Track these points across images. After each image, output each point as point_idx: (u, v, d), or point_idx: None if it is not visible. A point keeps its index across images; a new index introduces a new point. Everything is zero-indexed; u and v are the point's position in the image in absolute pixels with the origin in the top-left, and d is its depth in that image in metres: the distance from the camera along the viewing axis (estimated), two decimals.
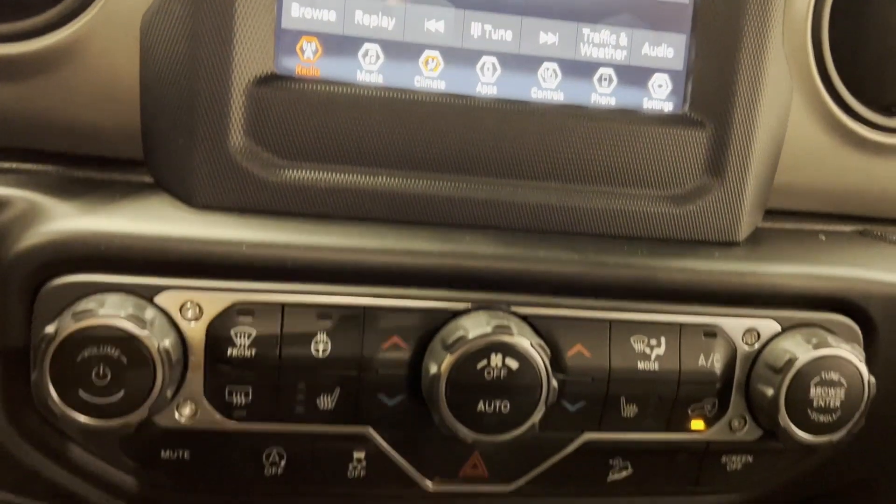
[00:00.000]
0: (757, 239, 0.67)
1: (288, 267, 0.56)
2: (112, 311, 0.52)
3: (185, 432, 0.57)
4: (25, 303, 0.54)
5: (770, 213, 0.71)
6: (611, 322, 0.60)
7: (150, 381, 0.52)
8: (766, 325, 0.63)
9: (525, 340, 0.56)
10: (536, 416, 0.57)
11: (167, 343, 0.53)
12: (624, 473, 0.64)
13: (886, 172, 0.71)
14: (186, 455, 0.58)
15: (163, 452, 0.58)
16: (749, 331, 0.63)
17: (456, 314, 0.58)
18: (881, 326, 0.65)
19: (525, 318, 0.59)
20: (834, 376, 0.61)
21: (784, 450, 0.65)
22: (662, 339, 0.61)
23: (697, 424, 0.63)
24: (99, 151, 0.62)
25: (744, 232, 0.66)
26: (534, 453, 0.62)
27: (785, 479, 0.67)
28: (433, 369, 0.56)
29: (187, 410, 0.57)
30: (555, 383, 0.57)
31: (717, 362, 0.62)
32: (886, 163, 0.71)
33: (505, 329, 0.56)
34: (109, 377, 0.52)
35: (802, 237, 0.70)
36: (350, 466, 0.60)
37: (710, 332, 0.62)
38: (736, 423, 0.64)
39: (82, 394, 0.52)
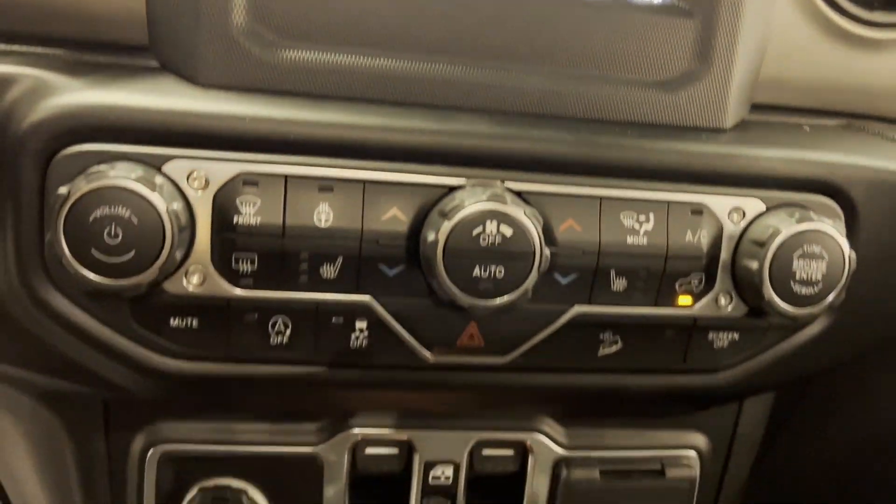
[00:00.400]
0: (743, 128, 0.70)
1: (290, 140, 0.58)
2: (123, 174, 0.54)
3: (194, 300, 0.59)
4: (38, 172, 0.56)
5: (756, 108, 0.73)
6: (601, 199, 0.63)
7: (159, 242, 0.54)
8: (752, 204, 0.65)
9: (519, 209, 0.58)
10: (530, 283, 0.59)
11: (176, 206, 0.55)
12: (614, 348, 0.67)
13: (869, 66, 0.73)
14: (195, 323, 0.60)
15: (172, 320, 0.60)
16: (735, 209, 0.65)
17: (452, 189, 0.61)
18: (862, 209, 0.67)
19: (519, 194, 0.61)
20: (816, 249, 0.63)
21: (769, 327, 0.68)
22: (651, 215, 0.63)
23: (685, 300, 0.66)
24: (105, 37, 0.64)
25: (730, 119, 0.68)
26: (528, 325, 0.64)
27: (770, 359, 0.70)
28: (431, 237, 0.58)
29: (195, 278, 0.59)
30: (547, 252, 0.59)
31: (703, 238, 0.64)
32: (869, 57, 0.73)
33: (500, 198, 0.58)
34: (121, 237, 0.54)
35: (787, 128, 0.72)
36: (353, 337, 0.63)
37: (697, 210, 0.64)
38: (722, 300, 0.66)
39: (95, 253, 0.54)
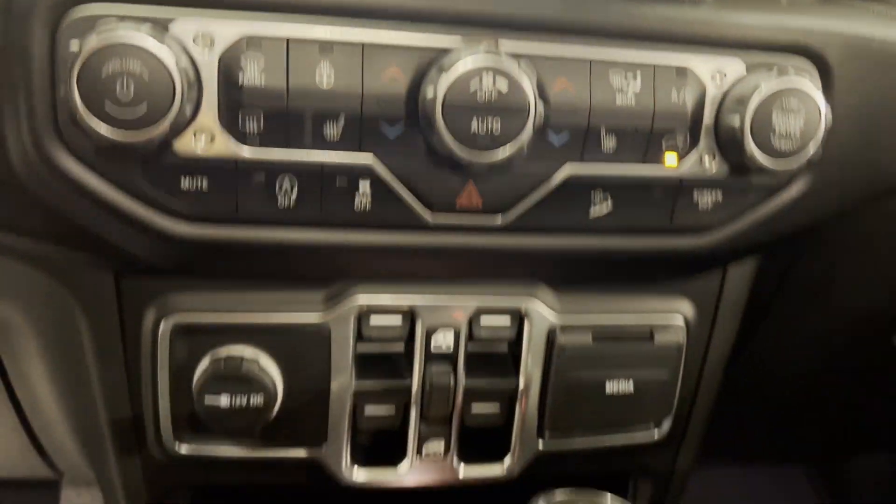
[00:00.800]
0: None
1: (291, 2, 0.60)
2: (133, 31, 0.56)
3: (203, 161, 0.62)
4: (48, 36, 0.58)
5: None
6: (591, 61, 0.66)
7: (170, 95, 0.57)
8: (733, 66, 0.68)
9: (513, 64, 0.61)
10: (525, 137, 0.62)
11: (184, 62, 0.57)
12: (605, 209, 0.70)
13: None
14: (204, 184, 0.63)
15: (182, 181, 0.62)
16: (717, 72, 0.68)
17: (449, 49, 0.63)
18: (836, 71, 0.71)
19: (513, 55, 0.64)
20: (794, 104, 0.67)
21: (751, 187, 0.72)
22: (638, 75, 0.66)
23: (671, 158, 0.69)
24: None
25: None
26: (523, 184, 0.67)
27: (753, 221, 0.73)
28: (430, 93, 0.61)
29: (203, 139, 0.61)
30: (541, 107, 0.62)
31: (687, 98, 0.67)
32: None
33: (495, 54, 0.61)
34: (132, 92, 0.56)
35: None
36: (356, 198, 0.65)
37: (682, 72, 0.67)
38: (706, 159, 0.69)
39: (108, 107, 0.56)
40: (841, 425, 1.52)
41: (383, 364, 0.79)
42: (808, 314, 1.03)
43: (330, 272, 0.75)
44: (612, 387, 0.81)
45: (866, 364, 1.22)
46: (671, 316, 0.82)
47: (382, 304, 0.76)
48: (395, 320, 0.77)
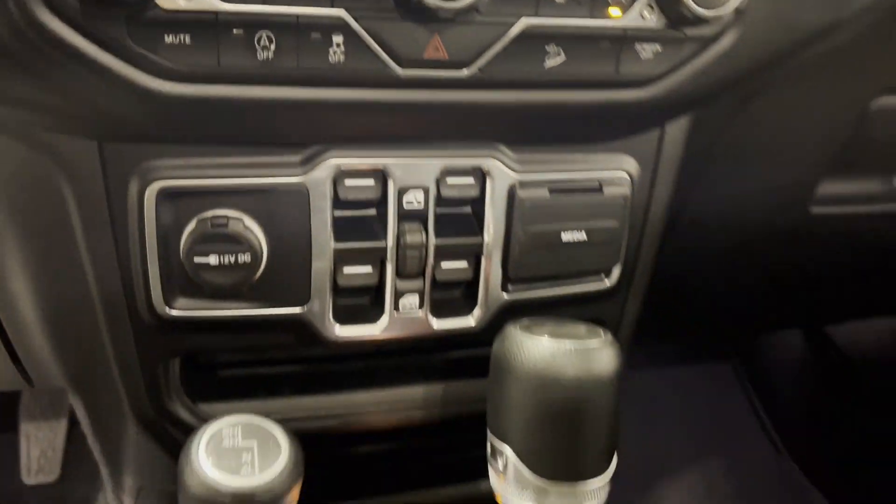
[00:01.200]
0: None
1: None
2: None
3: (185, 15, 0.65)
4: None
5: None
6: None
7: None
8: None
9: None
10: None
11: None
12: (558, 60, 0.77)
13: None
14: (187, 39, 0.66)
15: (166, 37, 0.66)
16: None
17: None
18: None
19: None
20: None
21: (686, 38, 0.79)
22: None
23: (615, 11, 0.76)
24: None
25: None
26: (483, 37, 0.73)
27: (690, 73, 0.81)
28: None
29: None
30: None
31: None
32: None
33: None
34: None
35: None
36: (331, 52, 0.70)
37: None
38: (646, 12, 0.77)
39: None
40: (760, 306, 1.65)
41: (360, 226, 0.85)
42: (733, 181, 1.13)
43: (306, 133, 0.79)
44: (567, 236, 0.89)
45: (785, 236, 1.34)
46: (618, 172, 0.90)
47: (355, 165, 0.81)
48: (369, 181, 0.82)
